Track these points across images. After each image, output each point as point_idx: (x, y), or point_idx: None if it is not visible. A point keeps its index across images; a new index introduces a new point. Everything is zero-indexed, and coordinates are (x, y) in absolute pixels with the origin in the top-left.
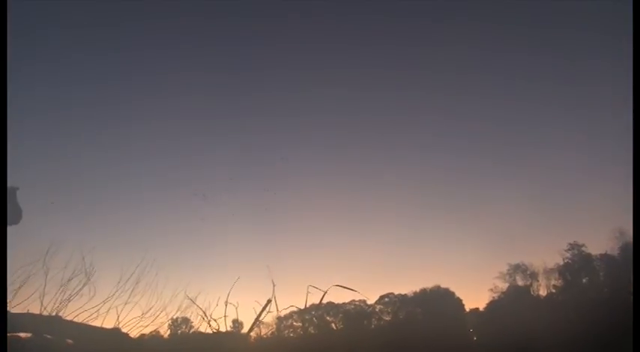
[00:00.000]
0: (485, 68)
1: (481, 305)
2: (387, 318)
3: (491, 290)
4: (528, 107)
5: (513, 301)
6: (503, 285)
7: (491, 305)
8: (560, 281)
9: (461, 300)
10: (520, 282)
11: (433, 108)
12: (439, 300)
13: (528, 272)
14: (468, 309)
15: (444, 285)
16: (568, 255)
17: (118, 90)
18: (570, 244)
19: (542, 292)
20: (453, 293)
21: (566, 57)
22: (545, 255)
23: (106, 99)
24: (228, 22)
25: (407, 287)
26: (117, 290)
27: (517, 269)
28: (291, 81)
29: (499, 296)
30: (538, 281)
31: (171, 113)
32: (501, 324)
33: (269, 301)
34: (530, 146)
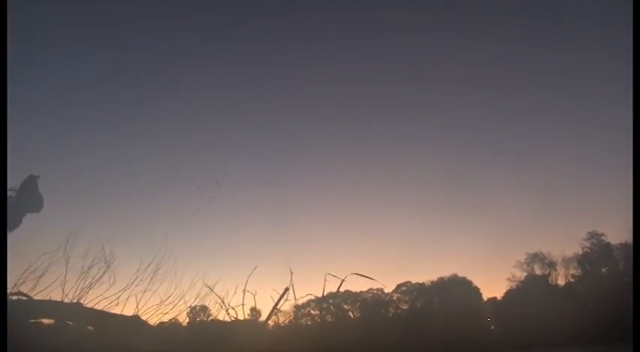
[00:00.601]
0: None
1: (499, 295)
2: (405, 307)
3: (509, 279)
4: (545, 100)
5: (531, 290)
6: (521, 274)
7: (509, 294)
8: (579, 270)
9: (478, 289)
10: (538, 271)
11: (449, 101)
12: (456, 289)
13: (547, 262)
14: (485, 298)
15: (461, 274)
16: (587, 244)
17: (135, 88)
18: (589, 233)
19: (561, 281)
20: (470, 282)
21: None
22: (563, 244)
23: (125, 96)
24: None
25: (424, 275)
26: (136, 278)
27: (535, 258)
28: (308, 76)
29: (517, 286)
30: (556, 270)
31: (186, 107)
32: (519, 314)
33: (286, 289)
34: (550, 137)
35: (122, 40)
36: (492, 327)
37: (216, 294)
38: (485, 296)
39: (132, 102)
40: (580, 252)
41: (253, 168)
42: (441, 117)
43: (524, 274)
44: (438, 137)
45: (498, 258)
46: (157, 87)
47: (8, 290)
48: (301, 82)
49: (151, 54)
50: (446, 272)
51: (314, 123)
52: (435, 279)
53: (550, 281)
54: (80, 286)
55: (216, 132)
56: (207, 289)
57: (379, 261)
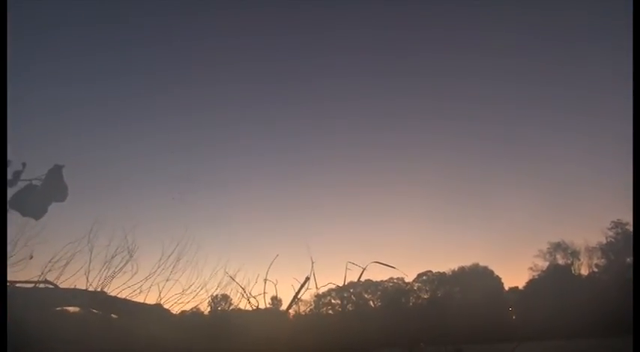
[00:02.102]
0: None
1: (520, 284)
2: (425, 296)
3: (531, 268)
4: (561, 91)
5: (554, 280)
6: (543, 264)
7: (531, 284)
8: (602, 260)
9: (500, 279)
10: (561, 261)
11: (466, 92)
12: (477, 279)
13: (569, 251)
14: (507, 288)
15: (482, 263)
16: (611, 233)
17: (158, 82)
18: (614, 222)
19: (584, 271)
20: (491, 272)
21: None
22: (587, 234)
23: (150, 88)
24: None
25: (445, 265)
26: (158, 268)
27: (558, 247)
28: (332, 65)
29: (539, 275)
30: (580, 260)
31: (207, 100)
32: (541, 303)
33: (307, 278)
34: (573, 126)
35: (144, 34)
36: (514, 317)
37: (238, 283)
38: (507, 285)
39: (155, 95)
40: (604, 241)
41: (274, 158)
42: (460, 107)
43: (547, 264)
44: (458, 127)
45: (520, 248)
46: (180, 80)
47: (35, 278)
48: (325, 71)
49: (172, 48)
50: (467, 262)
51: (334, 114)
52: (456, 269)
53: (573, 271)
54: (104, 275)
55: (235, 123)
56: (229, 278)
57: (400, 250)
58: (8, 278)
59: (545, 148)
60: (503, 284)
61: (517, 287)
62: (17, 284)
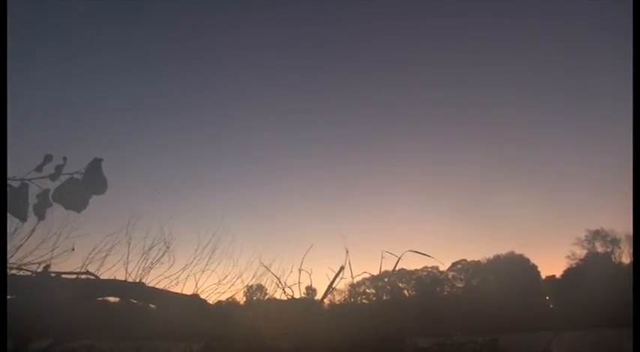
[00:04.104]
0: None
1: (558, 273)
2: (460, 285)
3: (569, 257)
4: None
5: (593, 269)
6: (581, 252)
7: (569, 272)
8: None
9: (536, 267)
10: (600, 249)
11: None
12: (513, 267)
13: (609, 239)
14: (543, 277)
15: (518, 252)
16: None
17: (191, 78)
18: None
19: (625, 259)
20: (527, 260)
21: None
22: (628, 221)
23: (181, 85)
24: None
25: (480, 253)
26: (194, 258)
27: (596, 235)
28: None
29: (577, 264)
30: (620, 248)
31: (239, 94)
32: (580, 293)
33: (342, 268)
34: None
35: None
36: (551, 306)
37: (273, 273)
38: (544, 274)
39: (188, 91)
40: None
41: (308, 148)
42: (496, 95)
43: (585, 252)
44: (495, 115)
45: (557, 236)
46: (210, 75)
47: (77, 270)
48: (356, 61)
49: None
50: (502, 250)
51: (369, 104)
52: (491, 257)
53: (613, 259)
54: (142, 266)
55: (268, 113)
56: (264, 268)
57: (434, 238)
58: (52, 270)
59: (584, 137)
60: (539, 272)
61: (554, 276)
62: (61, 276)
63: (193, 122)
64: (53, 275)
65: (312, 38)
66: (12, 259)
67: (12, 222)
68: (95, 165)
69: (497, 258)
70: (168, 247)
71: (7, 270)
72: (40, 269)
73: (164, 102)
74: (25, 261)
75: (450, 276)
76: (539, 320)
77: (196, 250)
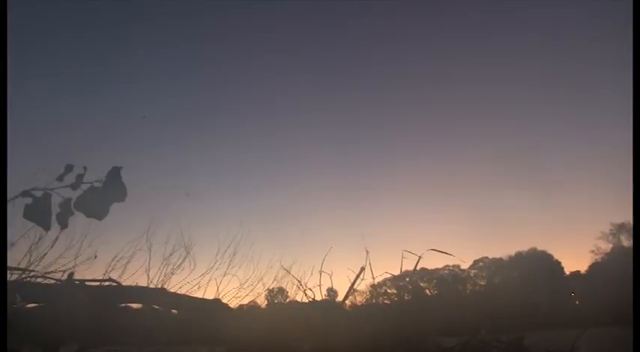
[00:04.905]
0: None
1: (582, 268)
2: (482, 283)
3: (593, 252)
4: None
5: (619, 263)
6: (607, 246)
7: (594, 268)
8: None
9: (560, 263)
10: (625, 243)
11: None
12: (536, 264)
13: None
14: (568, 273)
15: (540, 248)
16: None
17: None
18: None
19: None
20: (550, 256)
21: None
22: None
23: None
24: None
25: (501, 250)
26: (215, 263)
27: (622, 228)
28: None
29: (602, 259)
30: None
31: (268, 98)
32: (606, 288)
33: (362, 269)
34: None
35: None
36: (577, 302)
37: (293, 276)
38: (568, 270)
39: (205, 95)
40: None
41: (326, 149)
42: (516, 89)
43: (610, 246)
44: (512, 110)
45: (580, 230)
46: (228, 79)
47: (100, 277)
48: (378, 61)
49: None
50: (524, 247)
51: (386, 105)
52: (513, 254)
53: None
54: (163, 272)
55: (286, 117)
56: (284, 271)
57: (454, 236)
58: (76, 277)
59: (605, 130)
60: (563, 268)
61: (579, 272)
62: (85, 283)
63: (210, 126)
64: (77, 282)
65: (326, 38)
66: (37, 267)
67: (36, 231)
68: (115, 173)
69: (519, 254)
70: (188, 252)
71: (33, 278)
72: (64, 277)
73: (181, 106)
74: (50, 268)
75: (471, 274)
76: (565, 317)
77: (217, 255)
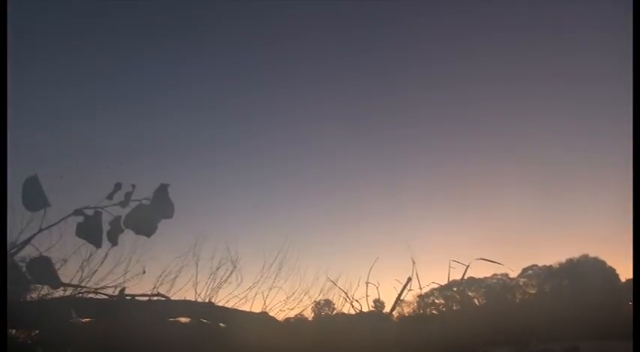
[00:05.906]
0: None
1: None
2: (532, 292)
3: None
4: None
5: None
6: None
7: None
8: None
9: (614, 270)
10: None
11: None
12: (588, 271)
13: None
14: (623, 280)
15: (592, 254)
16: None
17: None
18: None
19: None
20: (603, 263)
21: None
22: None
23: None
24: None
25: (552, 257)
26: (262, 276)
27: None
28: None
29: None
30: None
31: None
32: None
33: (409, 279)
34: None
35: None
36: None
37: (340, 288)
38: (623, 277)
39: (251, 113)
40: None
41: (369, 160)
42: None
43: None
44: (566, 111)
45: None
46: (274, 92)
47: (149, 292)
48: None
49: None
50: (575, 253)
51: (425, 105)
52: (564, 261)
53: None
54: (210, 286)
55: (322, 125)
56: (331, 283)
57: (502, 244)
58: (126, 292)
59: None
60: (618, 275)
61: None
62: (135, 298)
63: (253, 143)
64: (128, 297)
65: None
66: (89, 283)
67: (87, 248)
68: (162, 190)
69: (570, 261)
70: (235, 266)
71: (85, 294)
72: (115, 293)
73: (223, 124)
74: (101, 284)
75: (520, 283)
76: (622, 327)
77: (263, 268)
